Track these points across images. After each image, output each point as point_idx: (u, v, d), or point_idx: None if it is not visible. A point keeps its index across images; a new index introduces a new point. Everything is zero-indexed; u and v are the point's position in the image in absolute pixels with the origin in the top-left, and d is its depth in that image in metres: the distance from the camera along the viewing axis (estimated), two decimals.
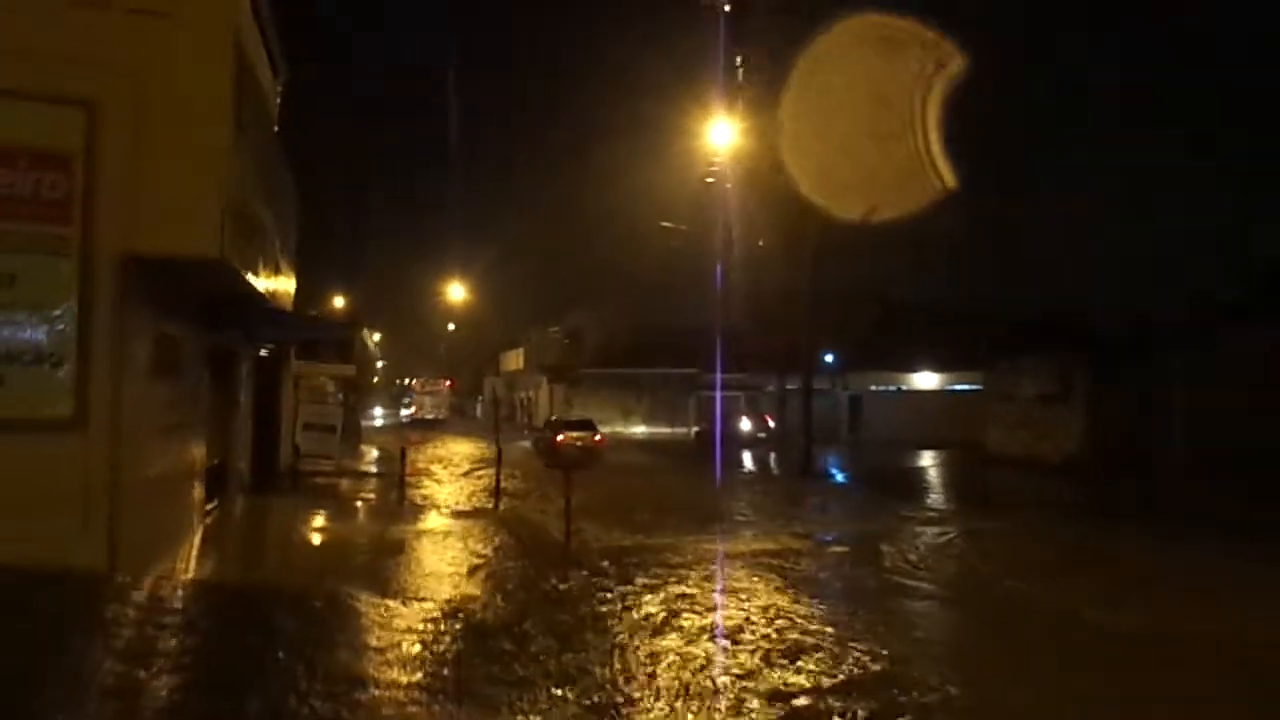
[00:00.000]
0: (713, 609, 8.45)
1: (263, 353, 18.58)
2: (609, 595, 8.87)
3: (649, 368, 51.31)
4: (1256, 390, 17.92)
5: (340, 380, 31.60)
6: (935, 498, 19.38)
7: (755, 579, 9.86)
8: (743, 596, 8.96)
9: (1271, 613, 8.80)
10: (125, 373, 8.11)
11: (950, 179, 21.35)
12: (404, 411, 73.49)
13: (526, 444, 34.50)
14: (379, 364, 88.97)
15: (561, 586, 9.29)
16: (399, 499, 16.46)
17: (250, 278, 9.78)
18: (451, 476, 22.99)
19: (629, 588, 9.23)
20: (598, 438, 31.12)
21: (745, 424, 42.24)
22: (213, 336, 12.40)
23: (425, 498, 17.66)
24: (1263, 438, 16.61)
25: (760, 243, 35.18)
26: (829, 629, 7.75)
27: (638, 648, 7.01)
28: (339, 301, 39.90)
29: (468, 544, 11.79)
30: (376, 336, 76.56)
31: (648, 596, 8.86)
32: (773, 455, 32.40)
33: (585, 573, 9.95)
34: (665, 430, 50.06)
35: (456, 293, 58.89)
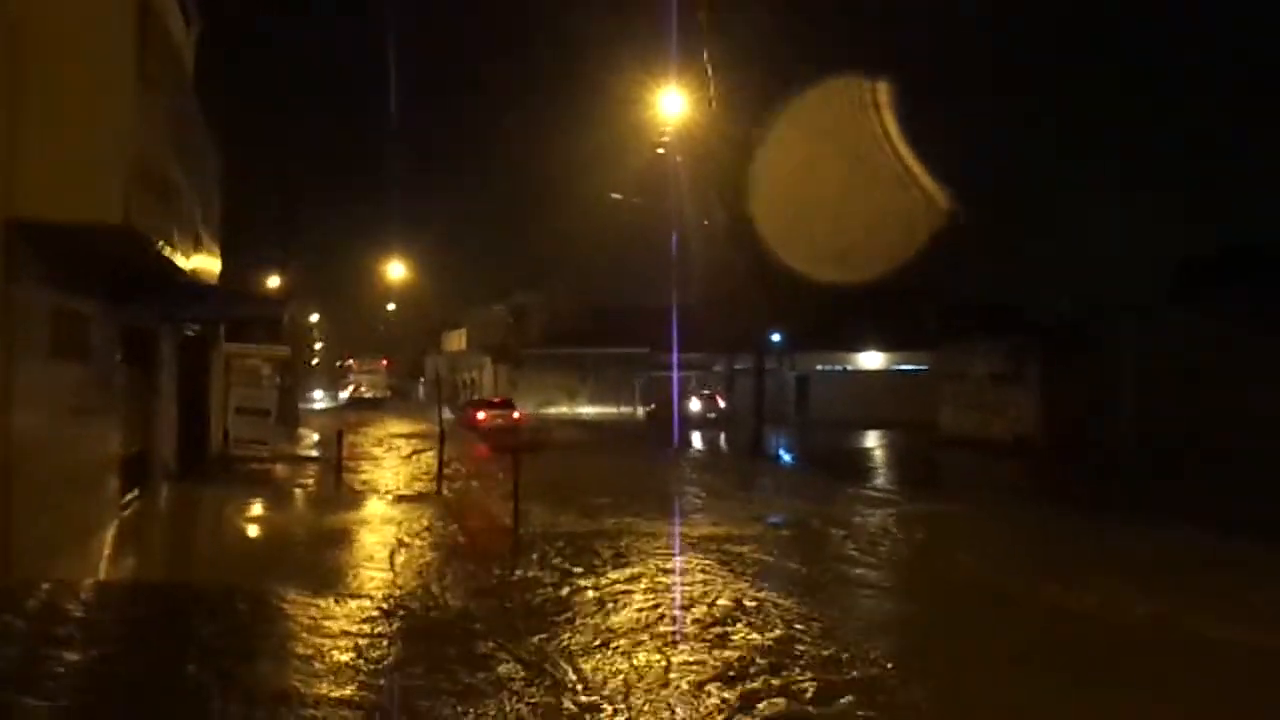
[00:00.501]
0: (673, 602, 7.89)
1: (188, 333, 17.54)
2: (562, 588, 8.26)
3: (595, 348, 50.60)
4: (1199, 372, 17.91)
5: (275, 362, 30.41)
6: (888, 478, 19.16)
7: (713, 567, 9.32)
8: (702, 587, 8.42)
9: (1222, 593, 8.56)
10: (16, 354, 7.25)
11: (943, 200, 21.42)
12: (343, 393, 72.44)
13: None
14: (317, 345, 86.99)
15: (510, 578, 8.66)
16: (336, 485, 15.64)
17: (164, 248, 8.91)
18: (392, 460, 22.17)
19: (583, 580, 8.63)
20: (516, 415, 33.04)
21: (695, 404, 41.71)
22: (127, 314, 11.44)
23: (365, 483, 16.86)
24: (1213, 418, 16.58)
25: (705, 221, 34.81)
26: (796, 622, 7.24)
27: (597, 648, 6.42)
28: (273, 281, 38.39)
29: (409, 532, 11.08)
30: (314, 317, 74.75)
31: (603, 588, 8.27)
32: (722, 436, 32.02)
33: (535, 562, 9.34)
34: (611, 411, 49.52)
35: (396, 271, 57.35)
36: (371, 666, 5.71)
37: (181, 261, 10.42)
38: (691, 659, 6.18)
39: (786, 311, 40.93)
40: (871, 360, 48.85)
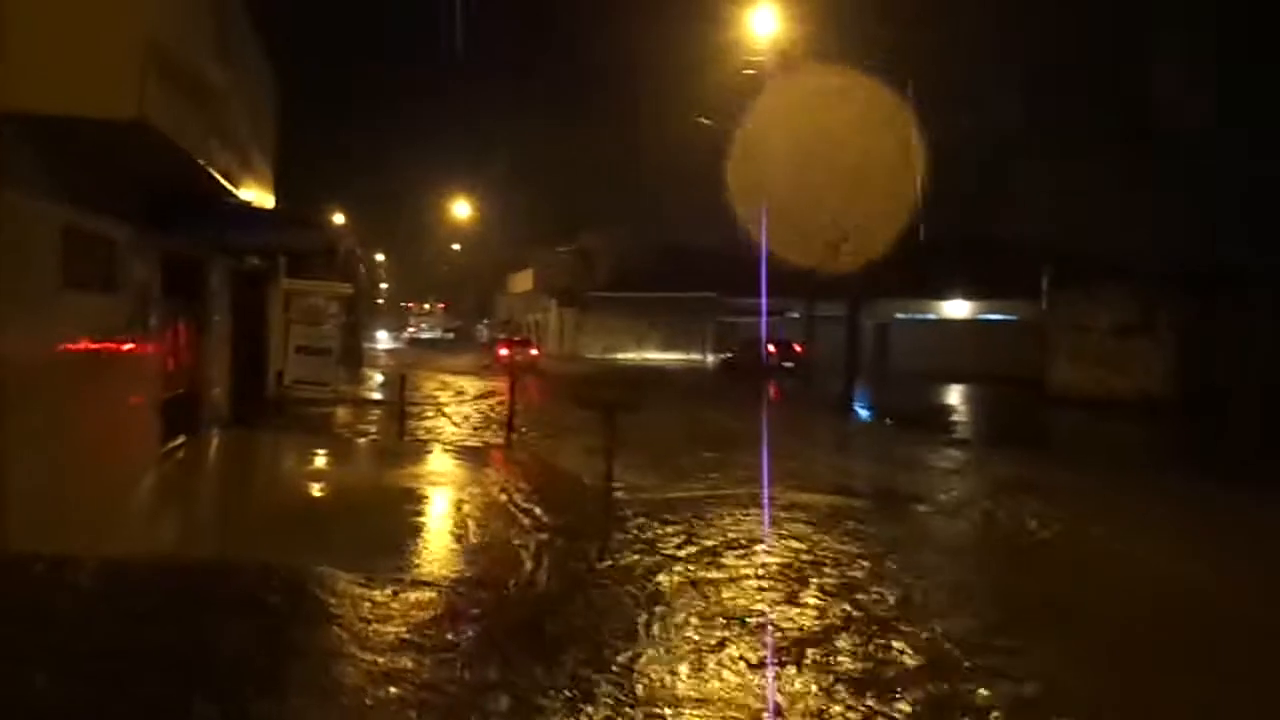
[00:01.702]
0: (805, 595, 6.38)
1: (244, 266, 16.34)
2: (669, 577, 6.78)
3: (664, 291, 48.77)
4: None
5: (338, 299, 29.26)
6: (1009, 442, 17.17)
7: (841, 547, 7.80)
8: (833, 576, 6.89)
9: None
10: (8, 277, 5.92)
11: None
12: (404, 334, 74.47)
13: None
14: (383, 285, 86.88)
15: (601, 563, 7.19)
16: (399, 433, 14.37)
17: (197, 156, 7.47)
18: (458, 405, 20.96)
19: (692, 565, 7.15)
20: (533, 352, 39.43)
21: (771, 352, 39.47)
22: (169, 241, 10.11)
23: (429, 430, 15.62)
24: None
25: None
26: (945, 618, 5.68)
27: (720, 668, 4.93)
28: (338, 219, 37.35)
29: (478, 495, 9.70)
30: (380, 257, 74.42)
31: (716, 575, 6.79)
32: (805, 387, 30.17)
33: (627, 540, 7.86)
34: (681, 357, 47.85)
35: (462, 210, 56.07)
36: (442, 699, 4.28)
37: (224, 178, 9.04)
38: (836, 669, 4.65)
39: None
40: (956, 309, 46.34)
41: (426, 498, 9.72)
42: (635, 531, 8.14)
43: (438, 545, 7.63)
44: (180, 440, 11.21)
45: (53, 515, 6.30)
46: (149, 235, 9.20)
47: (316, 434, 14.38)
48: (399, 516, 8.55)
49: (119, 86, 5.95)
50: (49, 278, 6.61)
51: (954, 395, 27.72)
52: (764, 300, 34.01)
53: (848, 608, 6.16)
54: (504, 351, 37.94)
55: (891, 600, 6.38)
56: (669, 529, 8.28)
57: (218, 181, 8.63)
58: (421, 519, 8.75)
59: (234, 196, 10.13)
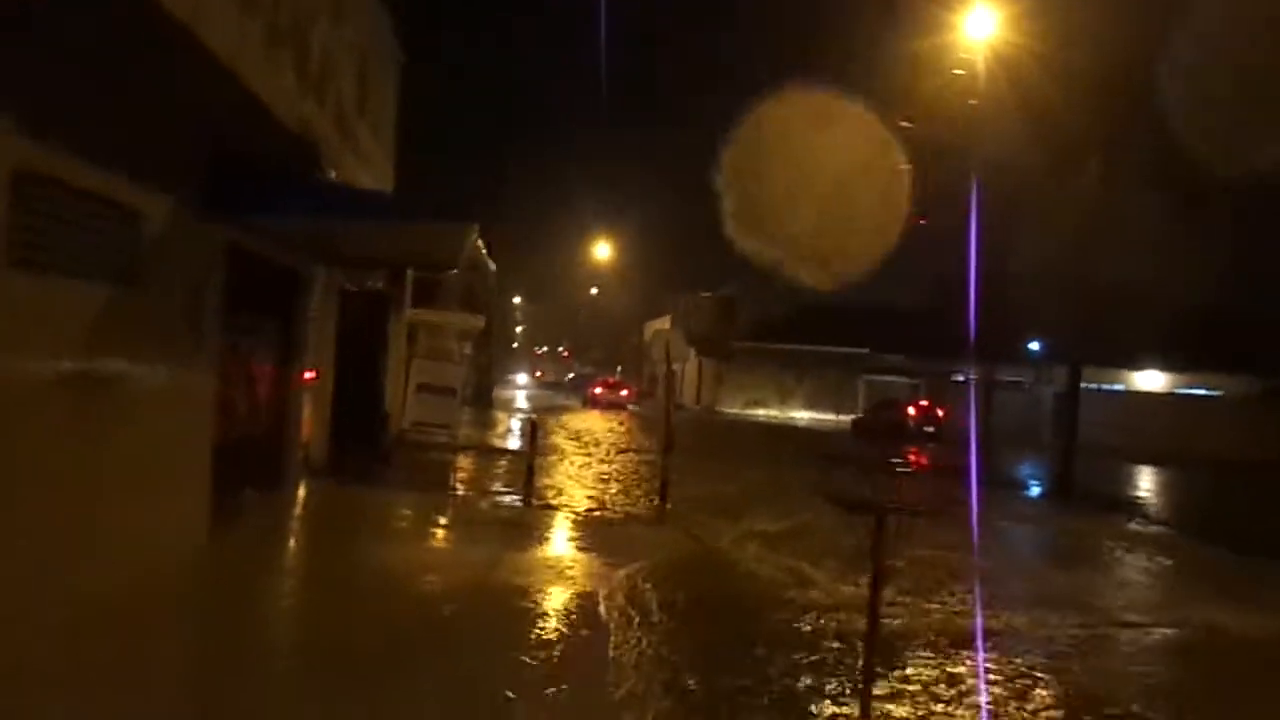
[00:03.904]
0: None
1: (360, 285, 14.05)
2: None
3: (812, 344, 45.11)
4: None
5: (469, 334, 26.96)
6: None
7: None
8: None
9: None
10: None
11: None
12: (525, 378, 77.26)
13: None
14: (518, 328, 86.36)
15: None
16: (525, 495, 11.48)
17: (233, 67, 4.79)
18: (591, 459, 18.12)
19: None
20: (625, 393, 42.82)
21: (911, 415, 34.75)
22: (238, 229, 7.56)
23: (559, 493, 12.75)
24: None
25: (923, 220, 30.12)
26: None
27: None
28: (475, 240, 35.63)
29: (626, 606, 6.69)
30: (516, 300, 73.66)
31: None
32: (984, 461, 25.74)
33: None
34: (827, 416, 43.94)
35: (601, 252, 54.09)
36: None
37: (305, 134, 6.43)
38: None
39: (1049, 317, 34.86)
40: (1150, 380, 41.08)
41: (551, 613, 6.68)
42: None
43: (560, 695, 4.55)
44: (244, 497, 8.63)
45: None
46: (204, 216, 6.67)
47: (426, 492, 11.65)
48: (508, 649, 5.53)
49: None
50: None
51: (1170, 479, 23.21)
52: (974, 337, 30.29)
53: None
54: (598, 390, 42.50)
55: None
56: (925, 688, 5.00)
57: (289, 135, 6.00)
58: (543, 649, 5.69)
59: (326, 174, 7.58)
